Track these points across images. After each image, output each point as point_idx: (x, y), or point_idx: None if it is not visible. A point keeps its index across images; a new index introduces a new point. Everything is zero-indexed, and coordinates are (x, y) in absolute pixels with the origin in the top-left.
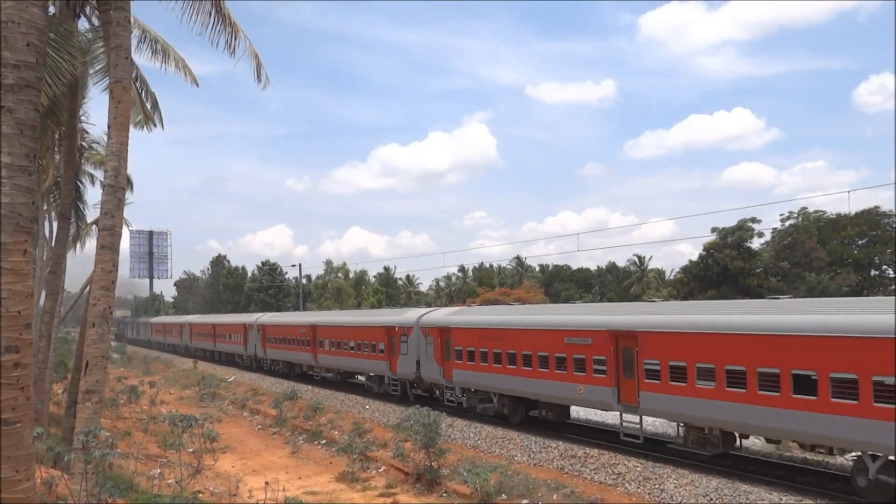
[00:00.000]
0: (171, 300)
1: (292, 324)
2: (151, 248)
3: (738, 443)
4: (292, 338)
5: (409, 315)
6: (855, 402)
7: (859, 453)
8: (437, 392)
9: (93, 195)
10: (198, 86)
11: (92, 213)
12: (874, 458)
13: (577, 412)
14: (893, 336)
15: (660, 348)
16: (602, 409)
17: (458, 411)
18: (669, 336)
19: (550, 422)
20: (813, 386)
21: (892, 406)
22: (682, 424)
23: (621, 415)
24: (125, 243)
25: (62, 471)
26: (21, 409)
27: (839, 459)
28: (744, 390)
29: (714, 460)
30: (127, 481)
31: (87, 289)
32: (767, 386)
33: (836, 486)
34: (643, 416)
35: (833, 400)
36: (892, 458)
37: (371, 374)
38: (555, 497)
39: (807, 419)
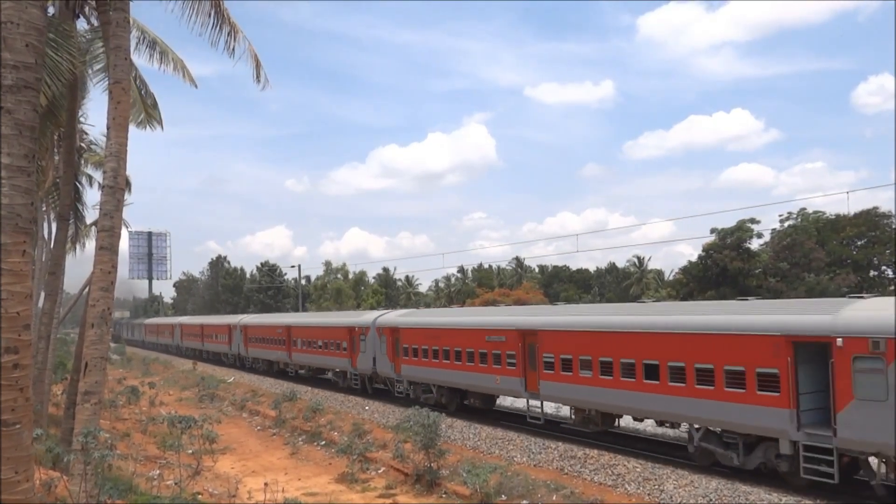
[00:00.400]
0: (170, 301)
1: (270, 325)
2: (150, 250)
3: (616, 423)
4: (270, 337)
5: (367, 317)
6: (683, 384)
7: (696, 426)
8: (389, 385)
9: (92, 196)
10: (196, 87)
11: (91, 215)
12: (698, 429)
13: (503, 401)
14: (703, 332)
15: (553, 344)
16: (513, 396)
17: (437, 407)
18: (560, 334)
19: (478, 409)
20: (657, 373)
21: (709, 387)
22: (571, 407)
23: (528, 401)
24: (124, 244)
25: (61, 472)
26: (20, 411)
27: (678, 431)
28: (611, 377)
29: (714, 463)
30: (126, 482)
31: (86, 290)
32: (628, 374)
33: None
34: (543, 402)
35: (670, 384)
36: (710, 428)
37: (336, 370)
38: (554, 498)
39: (654, 400)
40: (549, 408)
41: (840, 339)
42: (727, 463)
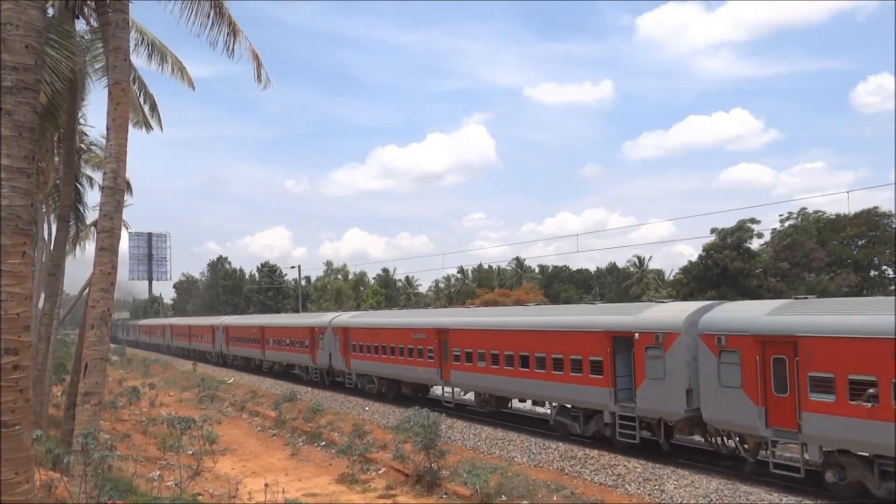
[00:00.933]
0: (170, 302)
1: (247, 325)
2: (151, 250)
3: (509, 405)
4: (247, 337)
5: (325, 318)
6: (544, 371)
7: (554, 404)
8: (343, 377)
9: (92, 197)
10: (194, 89)
11: (91, 215)
12: (554, 406)
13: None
14: (556, 329)
15: (459, 340)
16: (432, 385)
17: (455, 411)
18: (463, 332)
19: (410, 397)
20: (528, 362)
21: (560, 373)
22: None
23: (443, 388)
24: (124, 245)
25: (62, 473)
26: (20, 412)
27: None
28: (499, 367)
29: (715, 461)
30: (126, 483)
31: (86, 291)
32: (509, 364)
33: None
34: (454, 389)
35: (536, 371)
36: (563, 405)
37: (301, 365)
38: (555, 498)
39: (527, 384)
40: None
41: (637, 334)
42: (573, 432)
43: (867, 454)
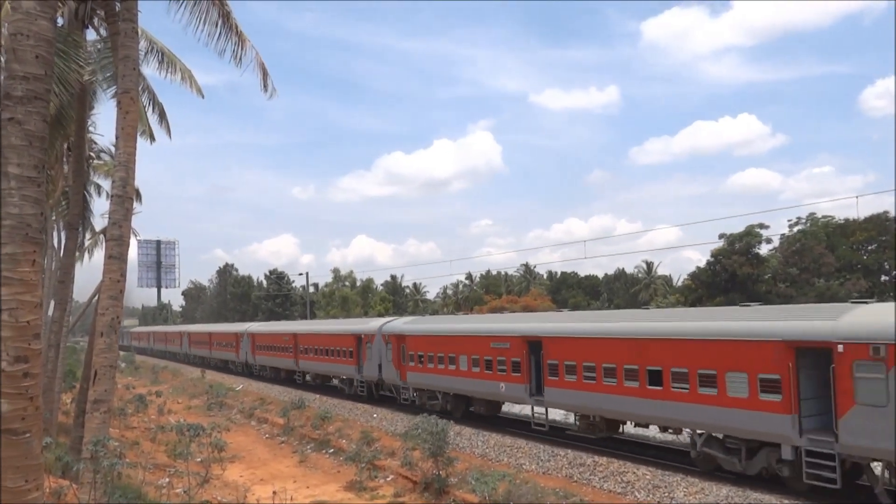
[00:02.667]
0: (178, 310)
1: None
2: (159, 258)
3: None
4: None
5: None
6: (684, 389)
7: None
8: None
9: (101, 205)
10: (202, 97)
11: (100, 223)
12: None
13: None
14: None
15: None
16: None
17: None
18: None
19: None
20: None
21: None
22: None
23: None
24: (133, 253)
25: (71, 480)
26: (30, 419)
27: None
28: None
29: (724, 471)
30: (135, 491)
31: (96, 298)
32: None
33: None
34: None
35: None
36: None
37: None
38: None
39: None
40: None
41: (840, 345)
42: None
43: None
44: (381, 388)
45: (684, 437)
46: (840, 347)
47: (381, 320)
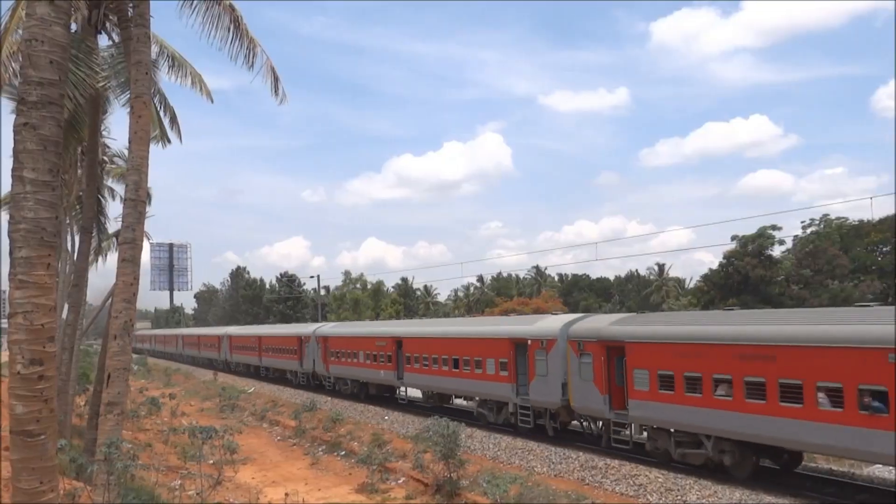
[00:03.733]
0: (191, 312)
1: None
2: (172, 261)
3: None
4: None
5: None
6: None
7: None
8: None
9: (114, 209)
10: (212, 101)
11: (113, 227)
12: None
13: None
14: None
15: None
16: (391, 385)
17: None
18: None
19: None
20: (369, 357)
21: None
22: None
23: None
24: (146, 256)
25: (85, 482)
26: (45, 422)
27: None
28: (357, 362)
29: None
30: (148, 492)
31: (109, 301)
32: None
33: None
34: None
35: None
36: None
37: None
38: None
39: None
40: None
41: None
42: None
43: None
44: (315, 378)
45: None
46: None
47: (315, 325)
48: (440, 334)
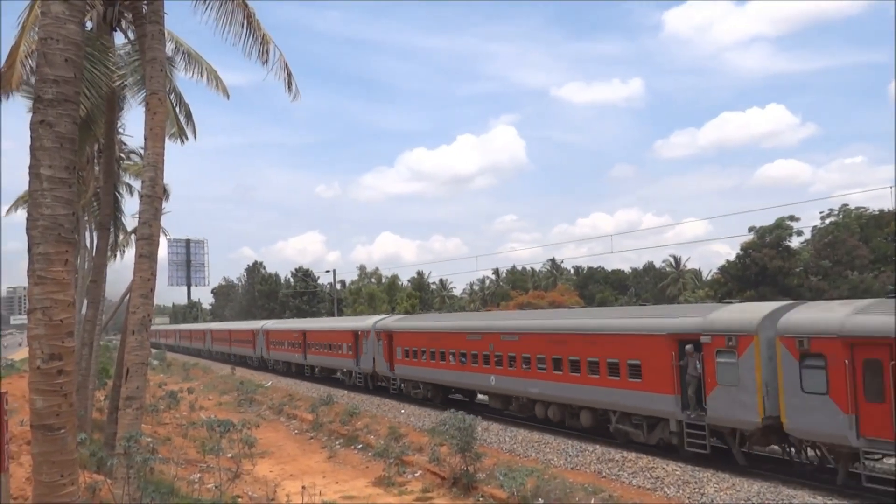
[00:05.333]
0: (208, 307)
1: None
2: (189, 257)
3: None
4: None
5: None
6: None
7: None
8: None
9: (131, 205)
10: (228, 97)
11: (131, 223)
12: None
13: None
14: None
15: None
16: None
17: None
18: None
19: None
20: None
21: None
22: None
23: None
24: (163, 252)
25: (105, 476)
26: (65, 416)
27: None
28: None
29: (755, 465)
30: (168, 486)
31: (127, 297)
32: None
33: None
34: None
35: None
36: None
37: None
38: (592, 501)
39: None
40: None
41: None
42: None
43: None
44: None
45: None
46: None
47: (375, 317)
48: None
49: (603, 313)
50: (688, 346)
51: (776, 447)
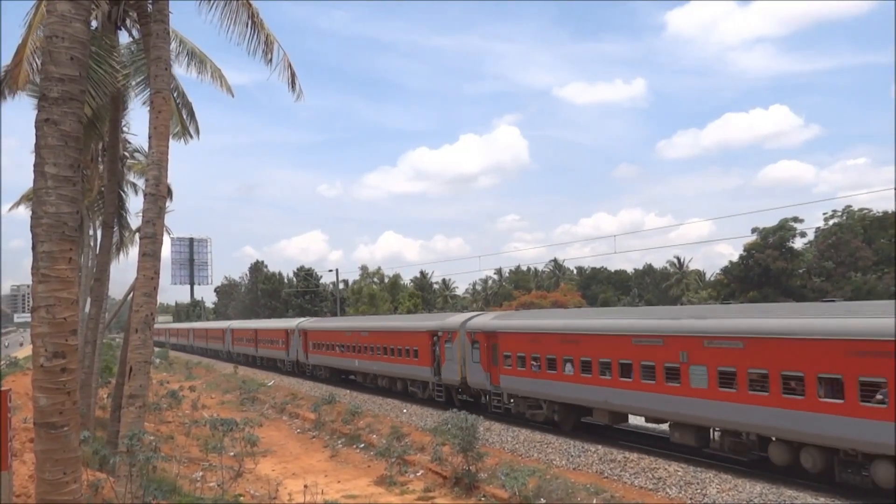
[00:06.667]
0: (211, 306)
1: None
2: (192, 255)
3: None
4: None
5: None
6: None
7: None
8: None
9: (135, 204)
10: (233, 96)
11: (135, 222)
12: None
13: None
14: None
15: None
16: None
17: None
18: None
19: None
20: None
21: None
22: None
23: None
24: (166, 251)
25: (108, 473)
26: (68, 414)
27: None
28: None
29: (755, 465)
30: (170, 484)
31: (131, 296)
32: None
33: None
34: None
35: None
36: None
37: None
38: (594, 501)
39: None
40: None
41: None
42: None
43: None
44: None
45: None
46: None
47: (464, 315)
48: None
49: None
50: None
51: None
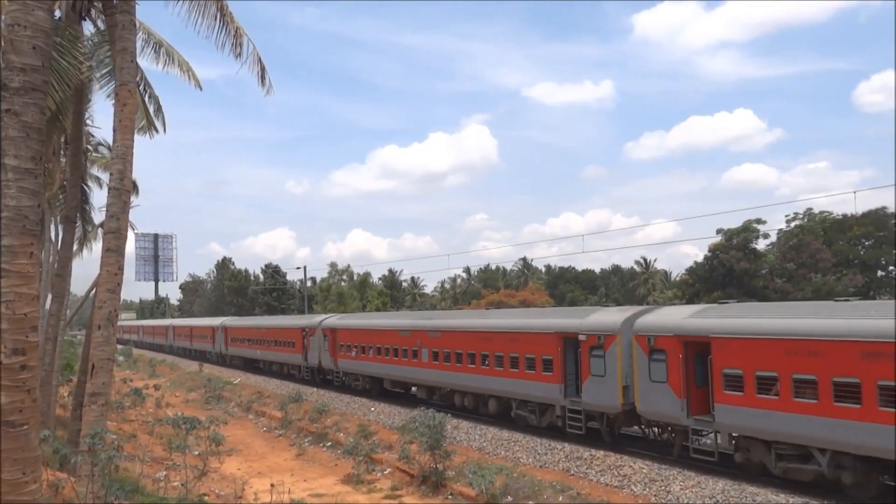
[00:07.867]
0: (176, 303)
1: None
2: (157, 252)
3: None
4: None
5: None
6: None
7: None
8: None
9: (99, 198)
10: (201, 89)
11: (99, 216)
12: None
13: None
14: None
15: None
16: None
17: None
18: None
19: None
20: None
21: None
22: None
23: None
24: (130, 246)
25: (68, 473)
26: (27, 412)
27: None
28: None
29: (722, 463)
30: (133, 484)
31: (93, 292)
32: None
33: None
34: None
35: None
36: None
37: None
38: (560, 499)
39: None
40: None
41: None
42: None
43: None
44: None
45: None
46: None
47: (321, 316)
48: None
49: None
50: None
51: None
